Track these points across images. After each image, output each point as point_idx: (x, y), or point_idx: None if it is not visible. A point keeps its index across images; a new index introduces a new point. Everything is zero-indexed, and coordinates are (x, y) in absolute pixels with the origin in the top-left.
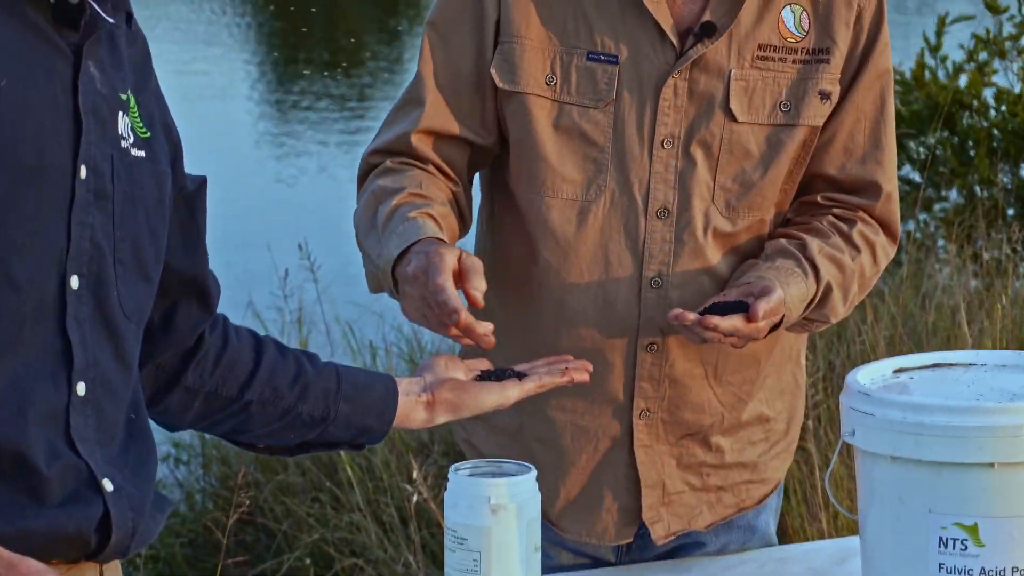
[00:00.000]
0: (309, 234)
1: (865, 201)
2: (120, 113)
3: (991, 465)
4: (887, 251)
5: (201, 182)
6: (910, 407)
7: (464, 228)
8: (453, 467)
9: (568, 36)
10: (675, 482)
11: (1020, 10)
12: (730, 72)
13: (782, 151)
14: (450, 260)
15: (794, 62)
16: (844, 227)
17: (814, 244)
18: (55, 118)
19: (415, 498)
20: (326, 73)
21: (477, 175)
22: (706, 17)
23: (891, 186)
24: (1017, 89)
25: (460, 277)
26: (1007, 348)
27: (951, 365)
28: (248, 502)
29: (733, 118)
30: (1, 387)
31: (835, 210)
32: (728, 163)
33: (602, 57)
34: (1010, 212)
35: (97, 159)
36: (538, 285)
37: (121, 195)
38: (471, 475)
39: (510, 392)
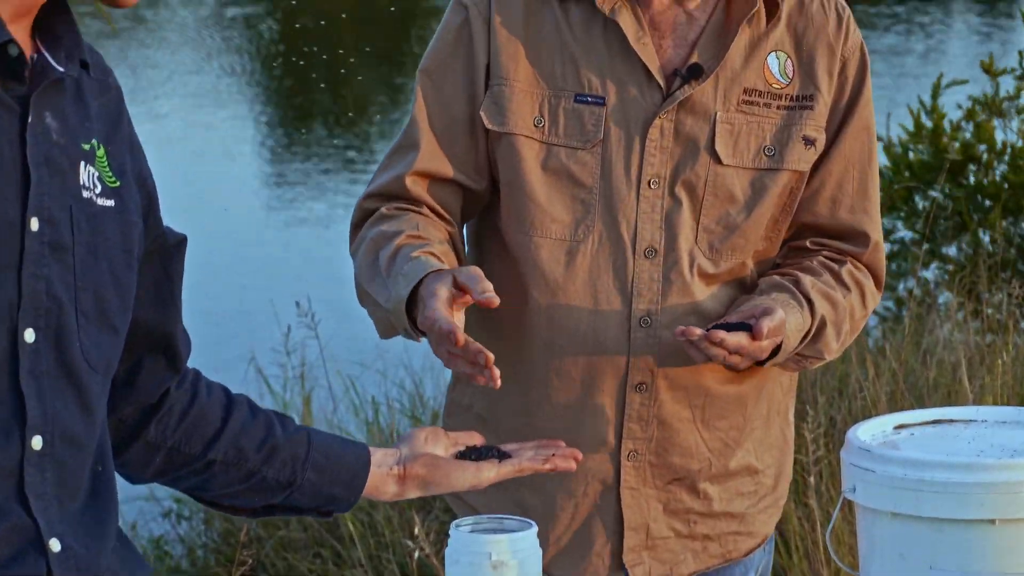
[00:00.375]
0: (312, 290)
1: (854, 248)
2: (82, 163)
3: (992, 522)
4: (875, 296)
5: (181, 239)
6: (911, 463)
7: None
8: (454, 523)
9: (556, 79)
10: (660, 527)
11: (1021, 64)
12: (716, 114)
13: (766, 195)
14: (442, 291)
15: (779, 108)
16: (834, 266)
17: (807, 279)
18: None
19: (417, 554)
20: (329, 130)
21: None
22: (693, 59)
23: (878, 235)
24: (1020, 145)
25: (465, 292)
26: (1008, 404)
27: (952, 421)
28: (250, 559)
29: (718, 160)
30: None
31: (824, 252)
32: (712, 205)
33: (589, 99)
34: (1016, 267)
35: (52, 210)
36: (528, 326)
37: (82, 246)
38: (472, 531)
39: (485, 474)
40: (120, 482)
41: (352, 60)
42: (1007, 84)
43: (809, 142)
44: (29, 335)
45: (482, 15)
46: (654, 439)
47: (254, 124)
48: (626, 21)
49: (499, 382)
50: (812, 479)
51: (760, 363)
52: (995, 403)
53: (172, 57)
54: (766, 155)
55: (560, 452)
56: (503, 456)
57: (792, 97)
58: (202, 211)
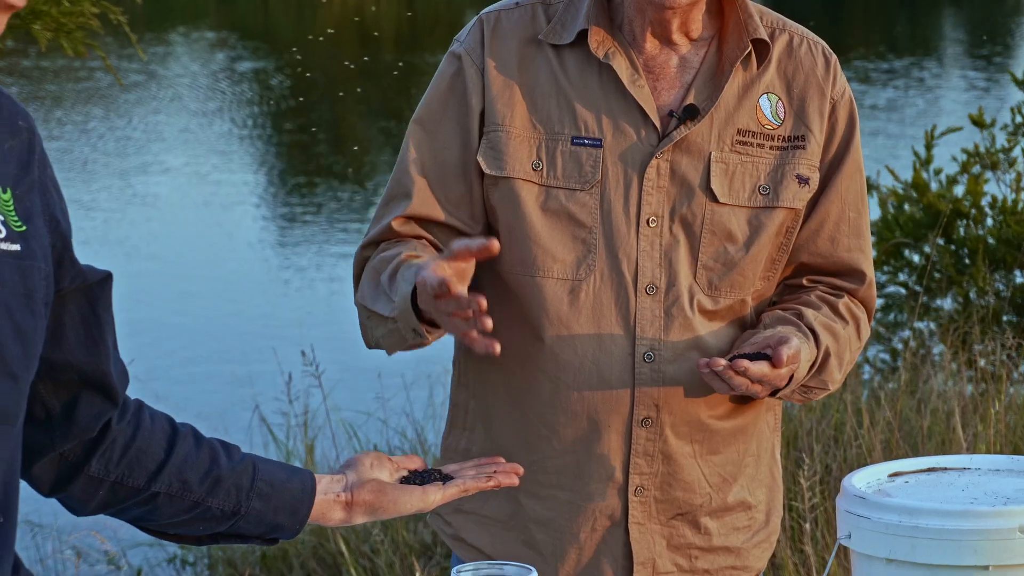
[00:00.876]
0: (314, 340)
1: (851, 285)
2: None
3: (986, 568)
4: (867, 329)
5: (105, 276)
6: (905, 511)
7: None
8: (455, 569)
9: (552, 123)
10: (664, 562)
11: (1014, 120)
12: (711, 154)
13: (763, 232)
14: (426, 256)
15: (772, 148)
16: (833, 300)
17: (809, 312)
18: None
19: None
20: (332, 183)
21: None
22: (689, 100)
23: (872, 272)
24: (1011, 198)
25: (459, 257)
26: (1001, 453)
27: (946, 469)
28: None
29: (714, 199)
30: None
31: (820, 288)
32: (710, 242)
33: (586, 141)
34: (1004, 319)
35: None
36: (533, 364)
37: None
38: None
39: (431, 497)
40: (128, 528)
41: (356, 115)
42: (1002, 139)
43: (803, 180)
44: None
45: (476, 64)
46: (659, 474)
47: (259, 176)
48: (620, 65)
49: (498, 347)
50: (808, 526)
51: (773, 393)
52: (988, 451)
53: (182, 110)
54: (761, 193)
55: (501, 468)
56: (446, 479)
57: (784, 137)
58: (207, 261)
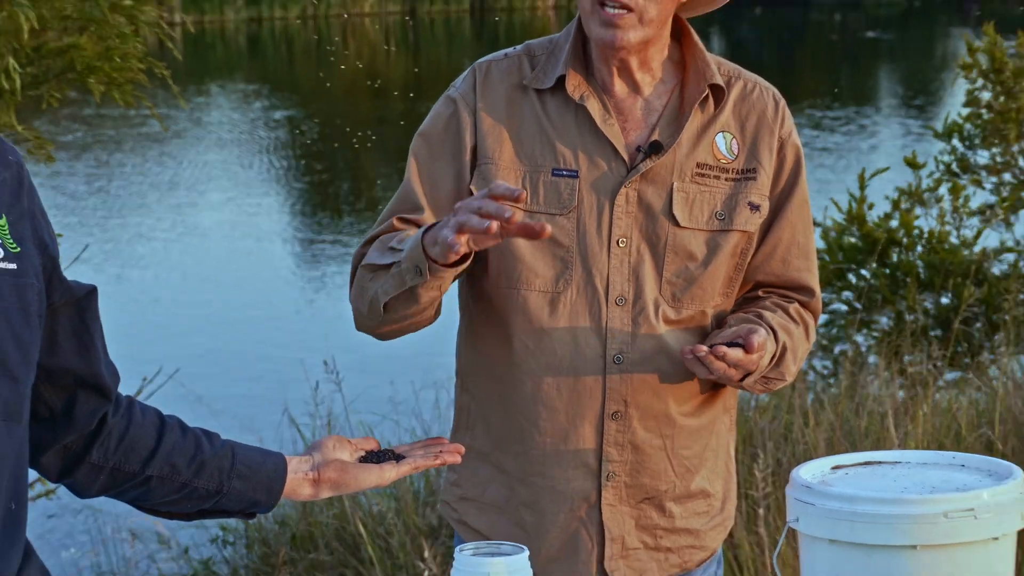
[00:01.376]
0: (335, 352)
1: (802, 298)
2: None
3: (914, 547)
4: (814, 332)
5: (90, 290)
6: (846, 498)
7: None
8: (458, 547)
9: (535, 157)
10: (633, 539)
11: (938, 167)
12: (672, 184)
13: (719, 252)
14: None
15: (727, 179)
16: (785, 305)
17: (767, 314)
18: None
19: (426, 574)
20: (351, 216)
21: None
22: (654, 137)
23: (818, 288)
24: (937, 230)
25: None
26: (928, 449)
27: (880, 463)
28: None
29: (676, 223)
30: None
31: (774, 296)
32: (672, 261)
33: (565, 172)
34: (932, 334)
35: None
36: (518, 365)
37: None
38: (474, 555)
39: (387, 474)
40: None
41: (370, 157)
42: (926, 182)
43: (754, 207)
44: None
45: (469, 106)
46: (628, 462)
47: (288, 210)
48: (594, 107)
49: (549, 229)
50: (761, 511)
51: (741, 379)
52: (917, 447)
53: (223, 152)
54: (718, 219)
55: (446, 448)
56: (399, 458)
57: (738, 170)
58: (244, 283)
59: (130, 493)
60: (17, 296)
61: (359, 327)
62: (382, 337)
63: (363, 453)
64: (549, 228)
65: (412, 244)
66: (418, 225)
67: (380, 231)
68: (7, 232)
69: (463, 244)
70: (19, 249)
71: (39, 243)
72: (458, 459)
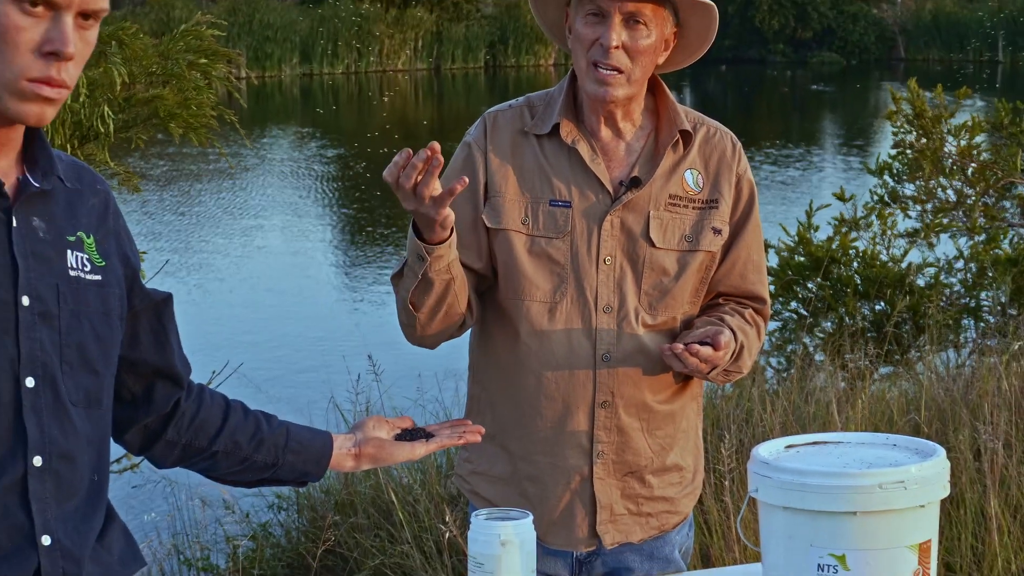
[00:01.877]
0: (373, 349)
1: (756, 305)
2: (69, 250)
3: (854, 513)
4: (764, 334)
5: (167, 296)
6: (797, 472)
7: (472, 311)
8: (474, 513)
9: (535, 190)
10: (619, 507)
11: (872, 198)
12: (649, 212)
13: (688, 268)
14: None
15: (694, 208)
16: (741, 310)
17: (727, 318)
18: None
19: (448, 535)
20: (388, 234)
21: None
22: (634, 173)
23: (768, 297)
24: (871, 250)
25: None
26: (866, 431)
27: (826, 443)
28: (331, 538)
29: (652, 244)
30: None
31: (731, 303)
32: (649, 276)
33: (560, 203)
34: (868, 335)
35: (39, 289)
36: (522, 363)
37: (67, 313)
38: (487, 519)
39: (417, 450)
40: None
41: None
42: (860, 211)
43: (717, 231)
44: (29, 381)
45: (481, 150)
46: (615, 443)
47: (336, 233)
48: (584, 149)
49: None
50: (727, 483)
51: (707, 373)
52: (856, 430)
53: (277, 185)
54: (686, 241)
55: (468, 429)
56: (428, 436)
57: (703, 201)
58: (299, 293)
59: (200, 465)
60: (101, 302)
61: (409, 339)
62: (431, 343)
63: (399, 431)
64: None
65: (409, 240)
66: None
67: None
68: (94, 249)
69: (433, 204)
70: (104, 263)
71: (122, 257)
72: (478, 438)
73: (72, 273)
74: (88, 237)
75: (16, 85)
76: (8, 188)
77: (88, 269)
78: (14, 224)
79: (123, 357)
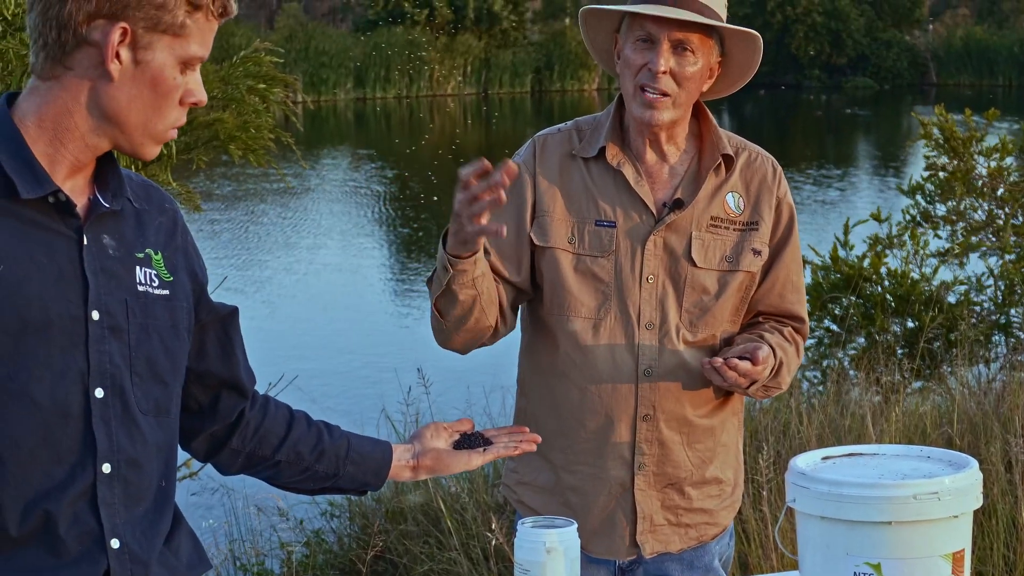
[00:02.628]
0: (423, 363)
1: (794, 324)
2: (138, 267)
3: (889, 523)
4: (803, 352)
5: (233, 310)
6: (834, 483)
7: (506, 322)
8: (520, 521)
9: (582, 211)
10: (659, 517)
11: (904, 217)
12: (691, 233)
13: (728, 288)
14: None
15: (735, 229)
16: (780, 327)
17: (767, 335)
18: (61, 282)
19: (494, 542)
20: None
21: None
22: (677, 195)
23: (806, 316)
24: (902, 269)
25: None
26: (900, 443)
27: (861, 455)
28: (380, 544)
29: (694, 264)
30: (37, 476)
31: (771, 321)
32: (690, 294)
33: (605, 223)
34: (899, 351)
35: (109, 304)
36: (567, 377)
37: (136, 327)
38: (533, 527)
39: (474, 460)
40: (292, 494)
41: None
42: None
43: (756, 252)
44: (99, 392)
45: (530, 171)
46: (655, 455)
47: (387, 251)
48: (628, 171)
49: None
50: (765, 493)
51: (746, 388)
52: (891, 443)
53: (333, 205)
54: (727, 261)
55: (525, 438)
56: (487, 442)
57: (743, 223)
58: (355, 308)
59: (263, 473)
60: (169, 315)
61: (439, 343)
62: (461, 348)
63: (458, 436)
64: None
65: (438, 254)
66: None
67: None
68: (162, 265)
69: (474, 230)
70: (172, 278)
71: (190, 272)
72: (534, 448)
73: (140, 288)
74: (156, 254)
75: (164, 134)
76: (80, 208)
77: (156, 284)
78: (85, 242)
79: (190, 368)
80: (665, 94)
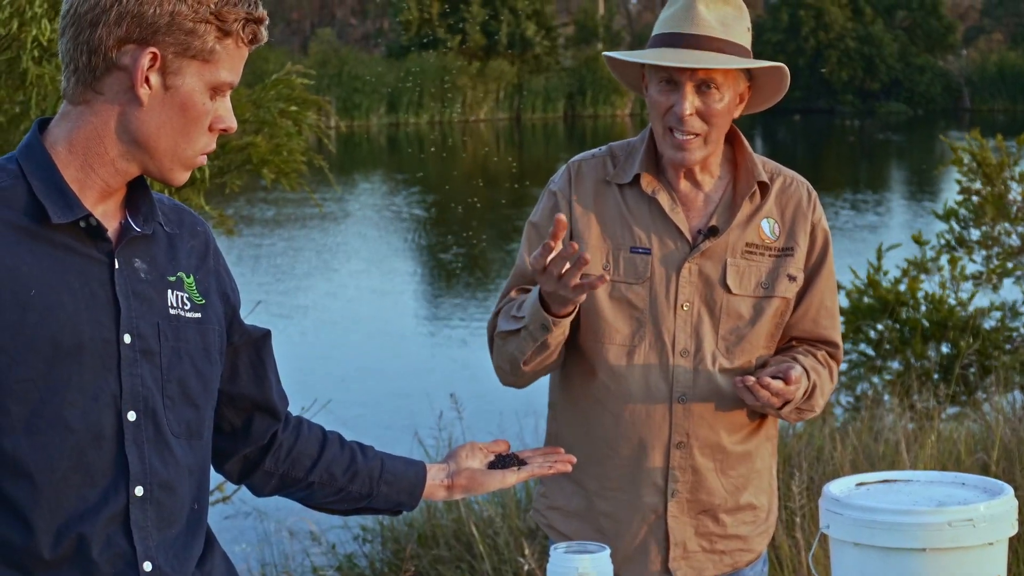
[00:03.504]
0: (455, 388)
1: (828, 349)
2: (170, 290)
3: (924, 550)
4: (836, 376)
5: (265, 332)
6: (867, 509)
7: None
8: (553, 546)
9: (617, 237)
10: (692, 544)
11: (939, 242)
12: (726, 260)
13: (764, 314)
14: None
15: (770, 256)
16: (814, 351)
17: (800, 358)
18: (92, 306)
19: (526, 567)
20: (467, 282)
21: None
22: (712, 222)
23: (840, 342)
24: (938, 294)
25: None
26: (934, 470)
27: (895, 481)
28: (412, 568)
29: (729, 291)
30: (70, 499)
31: (805, 346)
32: (726, 321)
33: (640, 250)
34: (935, 376)
35: (141, 327)
36: (601, 403)
37: (168, 350)
38: (566, 552)
39: (508, 479)
40: (324, 518)
41: (482, 229)
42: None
43: (792, 278)
44: (131, 415)
45: (566, 198)
46: (689, 482)
47: (420, 276)
48: (663, 199)
49: (607, 278)
50: (798, 519)
51: (779, 408)
52: (925, 469)
53: (368, 230)
54: (762, 287)
55: (560, 458)
56: (521, 463)
57: (779, 249)
58: (387, 334)
59: (297, 494)
60: (200, 338)
61: (504, 383)
62: (526, 385)
63: (492, 457)
64: (606, 278)
65: (532, 310)
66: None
67: (504, 304)
68: (194, 288)
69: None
70: (204, 301)
71: (222, 295)
72: (569, 468)
73: (172, 311)
74: (188, 277)
75: (193, 160)
76: (111, 233)
77: (188, 307)
78: (116, 266)
79: (223, 390)
80: (695, 134)
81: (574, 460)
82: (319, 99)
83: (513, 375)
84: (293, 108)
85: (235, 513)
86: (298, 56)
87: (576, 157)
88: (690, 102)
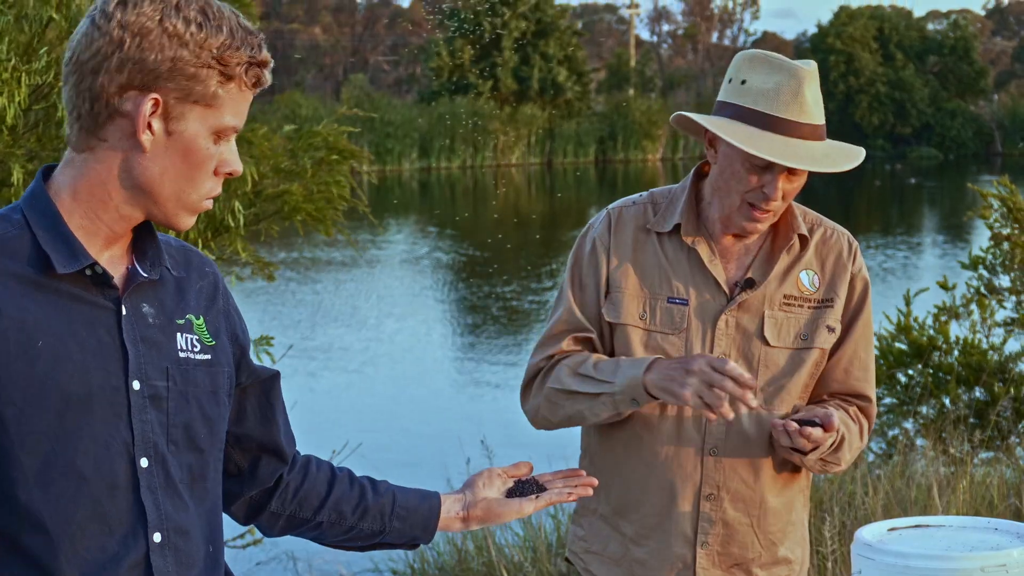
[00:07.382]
0: (487, 432)
1: (860, 403)
2: (179, 333)
3: None
4: (868, 434)
5: (274, 373)
6: (900, 555)
7: None
8: None
9: (654, 287)
10: None
11: (968, 290)
12: (764, 312)
13: (802, 365)
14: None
15: (809, 308)
16: (845, 406)
17: (831, 411)
18: (100, 354)
19: None
20: (498, 328)
21: None
22: (749, 274)
23: (874, 396)
24: (971, 338)
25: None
26: (967, 515)
27: (928, 526)
28: None
29: (767, 343)
30: (90, 550)
31: (837, 399)
32: (763, 373)
33: (677, 301)
34: (970, 421)
35: (149, 373)
36: (634, 452)
37: (175, 394)
38: None
39: (526, 508)
40: (355, 559)
41: (513, 272)
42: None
43: (831, 330)
44: (144, 462)
45: (604, 246)
46: (719, 534)
47: (452, 319)
48: (703, 250)
49: (752, 402)
50: (830, 564)
51: (804, 454)
52: (958, 514)
53: (396, 279)
54: (801, 339)
55: (580, 482)
56: (540, 488)
57: (818, 300)
58: (418, 377)
59: (307, 534)
60: (209, 380)
61: (539, 427)
62: (554, 428)
63: (512, 483)
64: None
65: (629, 384)
66: (591, 343)
67: (558, 350)
68: (204, 329)
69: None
70: (214, 342)
71: (231, 336)
72: (590, 492)
73: (182, 355)
74: (198, 319)
75: (198, 204)
76: (117, 279)
77: (198, 349)
78: (124, 313)
79: (230, 432)
80: (772, 212)
81: (595, 483)
82: (358, 151)
83: (558, 425)
84: (334, 156)
85: (267, 558)
86: (331, 102)
87: (616, 203)
88: (781, 186)
